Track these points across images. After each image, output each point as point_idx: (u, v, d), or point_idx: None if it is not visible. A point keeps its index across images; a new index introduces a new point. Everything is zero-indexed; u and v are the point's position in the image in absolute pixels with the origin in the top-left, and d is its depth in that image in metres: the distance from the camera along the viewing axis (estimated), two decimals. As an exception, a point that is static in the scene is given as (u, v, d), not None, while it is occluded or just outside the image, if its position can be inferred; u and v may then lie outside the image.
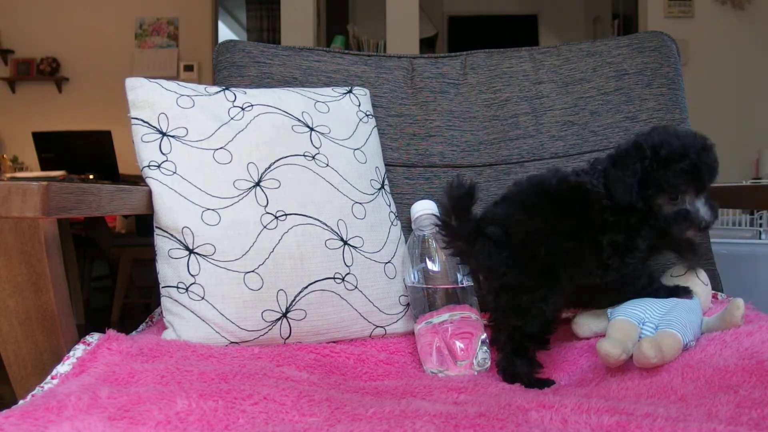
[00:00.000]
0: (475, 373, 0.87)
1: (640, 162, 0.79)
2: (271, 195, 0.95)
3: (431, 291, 0.94)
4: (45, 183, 0.71)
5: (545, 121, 1.23)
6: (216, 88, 1.03)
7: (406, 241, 1.06)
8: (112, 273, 3.83)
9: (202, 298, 0.89)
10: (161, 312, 0.95)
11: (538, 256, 0.81)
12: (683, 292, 0.88)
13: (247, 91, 1.05)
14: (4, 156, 4.08)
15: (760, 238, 1.84)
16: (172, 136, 0.95)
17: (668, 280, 1.01)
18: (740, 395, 0.61)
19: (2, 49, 4.81)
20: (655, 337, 0.78)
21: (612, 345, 0.75)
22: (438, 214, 1.09)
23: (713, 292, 1.09)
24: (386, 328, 0.99)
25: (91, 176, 2.96)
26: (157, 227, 0.93)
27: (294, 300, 0.92)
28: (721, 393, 0.63)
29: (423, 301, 0.94)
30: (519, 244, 0.82)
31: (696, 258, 0.82)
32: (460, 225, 0.83)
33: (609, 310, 0.92)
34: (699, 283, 0.98)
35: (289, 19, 3.56)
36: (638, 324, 0.84)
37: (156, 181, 0.93)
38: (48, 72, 4.79)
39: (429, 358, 0.88)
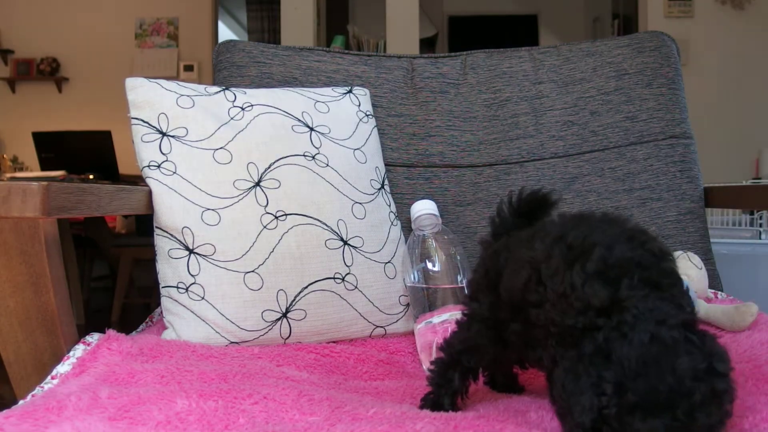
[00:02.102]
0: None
1: (599, 394, 0.47)
2: (271, 195, 0.95)
3: (431, 291, 0.94)
4: (45, 183, 0.71)
5: (545, 121, 1.23)
6: (216, 88, 1.03)
7: (406, 241, 1.06)
8: (112, 273, 3.83)
9: (202, 298, 0.89)
10: (161, 312, 0.95)
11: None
12: None
13: (247, 91, 1.05)
14: (4, 156, 4.08)
15: (760, 238, 1.84)
16: (172, 136, 0.95)
17: None
18: (734, 404, 0.61)
19: (2, 49, 4.81)
20: None
21: None
22: (437, 214, 1.09)
23: (713, 291, 1.09)
24: (386, 328, 0.99)
25: (91, 176, 2.96)
26: (157, 227, 0.93)
27: (294, 300, 0.92)
28: None
29: (423, 301, 0.94)
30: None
31: None
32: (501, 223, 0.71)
33: None
34: (692, 266, 0.98)
35: (289, 19, 3.56)
36: None
37: (156, 181, 0.93)
38: (48, 72, 4.79)
39: (429, 358, 0.88)
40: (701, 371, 0.46)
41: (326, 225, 0.96)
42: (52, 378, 0.71)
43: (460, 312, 0.70)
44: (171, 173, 0.93)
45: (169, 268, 0.91)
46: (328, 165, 1.00)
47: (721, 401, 0.47)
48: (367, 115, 1.13)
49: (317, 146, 1.01)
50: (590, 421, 0.47)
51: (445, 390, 0.66)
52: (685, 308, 0.51)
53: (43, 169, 3.30)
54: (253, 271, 0.90)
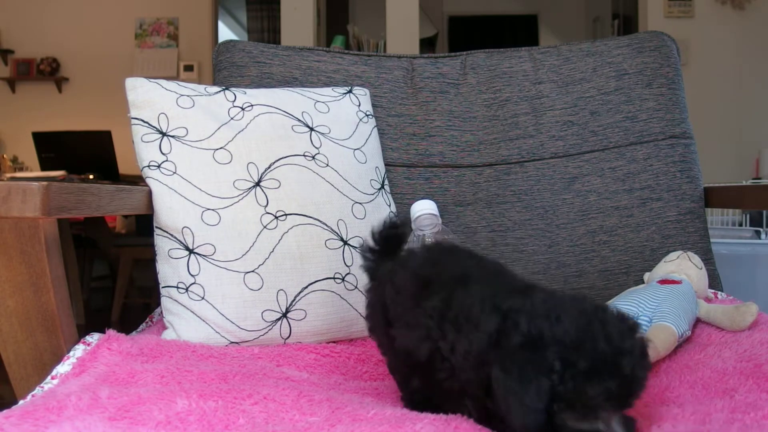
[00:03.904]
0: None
1: (547, 374, 0.50)
2: (271, 195, 0.95)
3: (431, 291, 0.93)
4: (45, 183, 0.71)
5: (545, 121, 1.23)
6: (216, 88, 1.03)
7: (406, 241, 1.06)
8: (112, 273, 3.83)
9: (202, 298, 0.89)
10: (161, 312, 0.95)
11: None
12: None
13: (247, 91, 1.05)
14: (4, 156, 4.08)
15: (760, 238, 1.84)
16: (172, 136, 0.95)
17: (662, 266, 1.01)
18: (735, 400, 0.61)
19: (2, 49, 4.80)
20: (648, 335, 0.79)
21: None
22: (437, 214, 1.09)
23: (713, 291, 1.09)
24: (386, 328, 0.99)
25: (91, 176, 2.96)
26: (157, 227, 0.93)
27: (294, 300, 0.92)
28: (717, 398, 0.63)
29: (423, 301, 0.94)
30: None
31: None
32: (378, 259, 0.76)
33: None
34: (692, 266, 0.99)
35: (289, 19, 3.56)
36: None
37: (156, 181, 0.93)
38: (48, 72, 4.78)
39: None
40: (627, 331, 0.52)
41: (326, 225, 0.96)
42: (52, 378, 0.71)
43: None
44: (171, 173, 0.93)
45: (169, 268, 0.91)
46: (328, 165, 1.00)
47: (647, 353, 0.53)
48: (367, 115, 1.13)
49: (317, 146, 1.01)
50: (544, 400, 0.51)
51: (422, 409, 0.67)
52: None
53: (43, 169, 3.30)
54: (253, 271, 0.90)
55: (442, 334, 0.59)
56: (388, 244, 0.76)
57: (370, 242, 0.76)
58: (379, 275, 0.73)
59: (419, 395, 0.67)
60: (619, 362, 0.50)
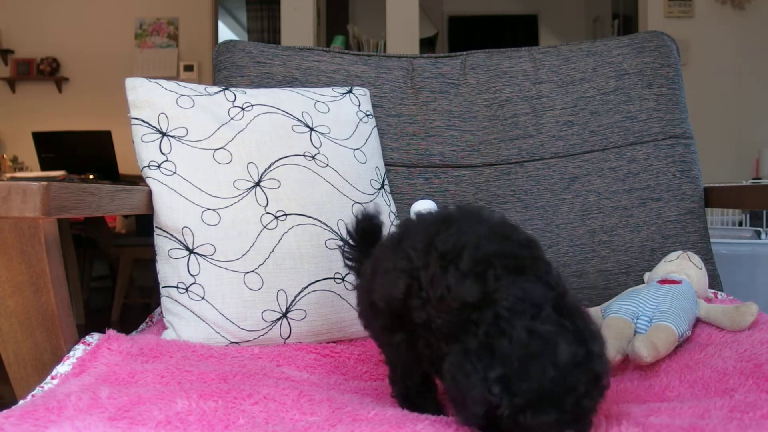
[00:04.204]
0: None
1: (486, 389, 0.49)
2: (271, 195, 0.95)
3: (431, 291, 0.93)
4: (45, 183, 0.71)
5: (545, 121, 1.23)
6: (216, 88, 1.03)
7: (406, 241, 1.06)
8: (112, 273, 3.83)
9: (202, 298, 0.89)
10: (161, 312, 0.95)
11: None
12: None
13: (247, 91, 1.05)
14: (4, 156, 4.07)
15: (760, 238, 1.84)
16: (172, 136, 0.95)
17: (662, 266, 1.02)
18: (735, 399, 0.61)
19: (2, 49, 4.80)
20: (649, 334, 0.79)
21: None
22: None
23: (713, 291, 1.09)
24: (386, 328, 0.99)
25: (91, 176, 2.96)
26: (157, 227, 0.93)
27: (294, 300, 0.92)
28: (716, 398, 0.63)
29: (423, 301, 0.94)
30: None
31: None
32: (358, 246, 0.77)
33: (602, 308, 0.92)
34: (692, 266, 0.99)
35: (289, 19, 3.56)
36: (632, 319, 0.84)
37: (156, 181, 0.93)
38: (48, 72, 4.78)
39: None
40: (581, 358, 0.49)
41: (326, 225, 0.96)
42: (52, 378, 0.71)
43: None
44: (171, 173, 0.93)
45: (169, 268, 0.91)
46: (328, 165, 1.00)
47: (600, 381, 0.50)
48: (367, 115, 1.13)
49: (317, 146, 1.01)
50: (481, 410, 0.49)
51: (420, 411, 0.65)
52: (552, 286, 0.53)
53: (43, 169, 3.30)
54: (253, 271, 0.90)
55: (426, 264, 0.58)
56: (366, 236, 0.75)
57: (348, 239, 0.76)
58: (362, 270, 0.72)
59: (412, 383, 0.66)
60: (561, 398, 0.48)
